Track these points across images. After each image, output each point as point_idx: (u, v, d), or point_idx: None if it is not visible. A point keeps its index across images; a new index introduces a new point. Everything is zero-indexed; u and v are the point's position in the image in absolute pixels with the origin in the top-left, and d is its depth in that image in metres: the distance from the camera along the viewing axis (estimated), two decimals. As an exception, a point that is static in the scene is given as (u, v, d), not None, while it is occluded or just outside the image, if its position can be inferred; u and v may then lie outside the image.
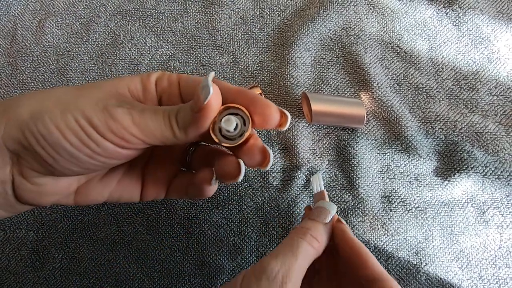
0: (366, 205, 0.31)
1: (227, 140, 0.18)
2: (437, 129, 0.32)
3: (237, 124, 0.17)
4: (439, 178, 0.31)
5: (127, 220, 0.32)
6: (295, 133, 0.32)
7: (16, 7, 0.39)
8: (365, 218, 0.30)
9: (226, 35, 0.37)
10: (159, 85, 0.20)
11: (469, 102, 0.32)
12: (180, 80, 0.20)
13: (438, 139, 0.31)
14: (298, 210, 0.31)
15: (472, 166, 0.30)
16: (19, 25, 0.39)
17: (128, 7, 0.39)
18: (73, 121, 0.16)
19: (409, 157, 0.32)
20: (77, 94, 0.17)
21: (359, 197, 0.31)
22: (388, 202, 0.31)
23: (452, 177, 0.30)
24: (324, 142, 0.33)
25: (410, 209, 0.31)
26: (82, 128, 0.16)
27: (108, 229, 0.31)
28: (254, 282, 0.18)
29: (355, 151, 0.32)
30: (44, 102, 0.17)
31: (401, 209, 0.31)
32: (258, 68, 0.36)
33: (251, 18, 0.38)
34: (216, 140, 0.18)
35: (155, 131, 0.17)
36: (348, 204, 0.31)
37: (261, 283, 0.17)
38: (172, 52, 0.37)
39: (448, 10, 0.36)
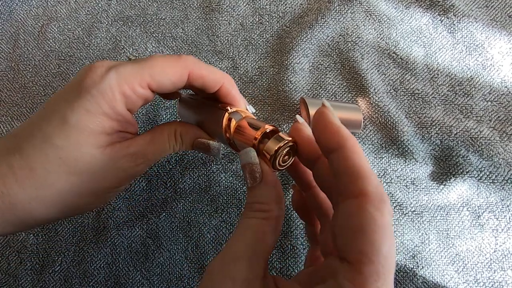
0: (364, 208, 0.31)
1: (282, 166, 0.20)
2: (432, 134, 0.32)
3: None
4: (435, 182, 0.31)
5: (127, 224, 0.32)
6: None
7: (19, 13, 0.40)
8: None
9: (225, 41, 0.38)
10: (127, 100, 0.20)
11: (464, 108, 0.33)
12: (152, 83, 0.19)
13: (434, 144, 0.32)
14: (296, 214, 0.31)
15: (467, 170, 0.31)
16: (21, 30, 0.39)
17: (130, 13, 0.39)
18: None
19: (406, 162, 0.32)
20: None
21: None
22: (385, 206, 0.31)
23: (448, 181, 0.31)
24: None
25: (406, 213, 0.31)
26: None
27: (108, 233, 0.32)
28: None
29: (352, 156, 0.32)
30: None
31: (397, 212, 0.31)
32: (257, 74, 0.36)
33: (251, 24, 0.38)
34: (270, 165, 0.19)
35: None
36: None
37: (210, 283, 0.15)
38: (173, 58, 0.37)
39: (443, 18, 0.36)
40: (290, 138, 0.19)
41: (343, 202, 0.14)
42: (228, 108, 0.22)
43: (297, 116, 0.20)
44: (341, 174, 0.15)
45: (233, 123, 0.21)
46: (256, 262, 0.15)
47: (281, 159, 0.19)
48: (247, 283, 0.14)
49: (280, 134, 0.19)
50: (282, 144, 0.19)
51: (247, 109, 0.24)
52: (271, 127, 0.20)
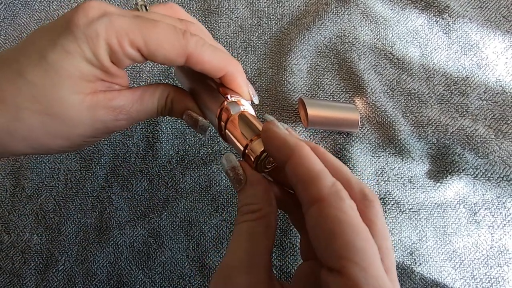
0: (362, 207, 0.32)
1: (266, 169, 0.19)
2: (429, 132, 0.33)
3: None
4: (432, 180, 0.32)
5: (129, 223, 0.32)
6: (292, 137, 0.34)
7: (21, 17, 0.40)
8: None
9: (225, 43, 0.38)
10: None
11: (459, 107, 0.34)
12: (144, 49, 0.18)
13: (430, 142, 0.33)
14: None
15: (463, 168, 0.31)
16: (24, 33, 0.40)
17: (130, 17, 0.40)
18: None
19: (403, 160, 0.33)
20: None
21: (355, 199, 0.32)
22: (382, 203, 0.32)
23: (444, 179, 0.31)
24: (320, 146, 0.34)
25: (404, 211, 0.31)
26: None
27: (110, 232, 0.32)
28: None
29: (350, 155, 0.33)
30: None
31: (395, 210, 0.31)
32: (256, 75, 0.37)
33: (249, 26, 0.39)
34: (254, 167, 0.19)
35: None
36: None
37: None
38: (173, 60, 0.38)
39: (438, 19, 0.37)
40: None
41: (307, 212, 0.14)
42: (228, 96, 0.20)
43: (266, 115, 0.19)
44: (296, 184, 0.15)
45: (229, 115, 0.20)
46: (255, 268, 0.15)
47: (266, 161, 0.18)
48: None
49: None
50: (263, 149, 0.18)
51: (251, 98, 0.22)
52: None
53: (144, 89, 0.21)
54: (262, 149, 0.18)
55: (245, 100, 0.21)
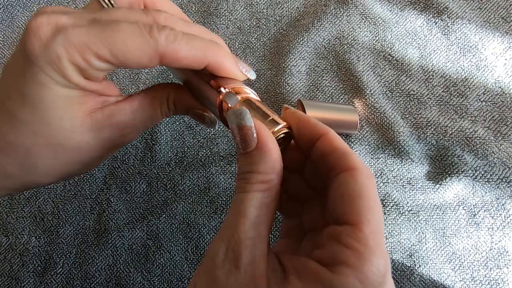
0: (361, 208, 0.31)
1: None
2: (428, 134, 0.33)
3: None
4: (431, 181, 0.32)
5: (127, 226, 0.32)
6: (291, 139, 0.34)
7: (20, 19, 0.40)
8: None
9: (223, 45, 0.38)
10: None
11: (458, 108, 0.33)
12: (112, 59, 0.16)
13: (430, 144, 0.32)
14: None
15: (462, 170, 0.31)
16: (22, 36, 0.40)
17: (129, 18, 0.40)
18: None
19: (402, 162, 0.33)
20: None
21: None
22: (382, 205, 0.32)
23: (444, 181, 0.31)
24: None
25: (403, 212, 0.31)
26: None
27: (109, 235, 0.32)
28: (202, 274, 0.14)
29: (349, 156, 0.33)
30: None
31: (394, 212, 0.31)
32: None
33: (248, 28, 0.39)
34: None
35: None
36: (343, 208, 0.32)
37: (210, 271, 0.14)
38: (172, 61, 0.38)
39: (437, 20, 0.37)
40: (286, 123, 0.17)
41: (337, 176, 0.15)
42: (222, 89, 0.18)
43: (285, 105, 0.18)
44: (330, 154, 0.16)
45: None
46: (259, 242, 0.14)
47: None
48: (251, 266, 0.14)
49: (275, 118, 0.17)
50: (277, 129, 0.17)
51: (246, 76, 0.20)
52: (280, 126, 0.17)
53: (142, 96, 0.20)
54: (272, 132, 0.16)
55: (240, 83, 0.20)
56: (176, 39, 0.16)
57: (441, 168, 0.32)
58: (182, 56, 0.17)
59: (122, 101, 0.19)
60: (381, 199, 0.32)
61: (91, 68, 0.16)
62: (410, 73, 0.35)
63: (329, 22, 0.37)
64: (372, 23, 0.37)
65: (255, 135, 0.15)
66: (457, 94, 0.34)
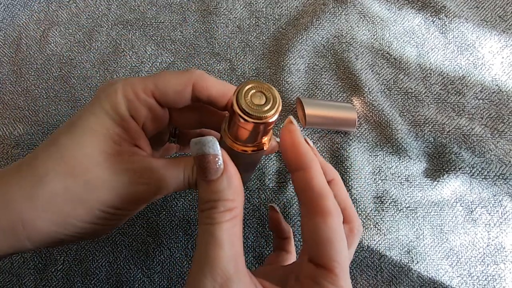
0: (359, 205, 0.32)
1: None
2: (426, 131, 0.33)
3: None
4: (429, 178, 0.32)
5: (128, 223, 0.32)
6: (290, 136, 0.34)
7: (21, 18, 0.41)
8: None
9: (223, 43, 0.38)
10: (134, 114, 0.19)
11: (456, 106, 0.34)
12: (155, 91, 0.19)
13: (427, 141, 0.33)
14: (293, 211, 0.32)
15: (460, 167, 0.31)
16: (23, 34, 0.40)
17: (129, 17, 0.40)
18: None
19: (400, 159, 0.33)
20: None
21: (352, 198, 0.32)
22: (380, 202, 0.32)
23: (441, 178, 0.32)
24: (318, 145, 0.34)
25: (401, 209, 0.32)
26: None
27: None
28: None
29: (347, 154, 0.33)
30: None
31: (392, 209, 0.32)
32: (254, 75, 0.37)
33: (247, 27, 0.39)
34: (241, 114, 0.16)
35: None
36: (341, 205, 0.32)
37: None
38: (172, 60, 0.38)
39: (435, 19, 0.37)
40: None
41: (312, 219, 0.16)
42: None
43: (290, 117, 0.18)
44: (305, 192, 0.17)
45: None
46: (243, 275, 0.15)
47: (248, 101, 0.16)
48: None
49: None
50: (251, 86, 0.16)
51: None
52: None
53: (169, 159, 0.20)
54: (247, 88, 0.16)
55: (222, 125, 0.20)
56: (206, 75, 0.20)
57: (439, 165, 0.32)
58: (209, 85, 0.19)
59: (149, 157, 0.20)
60: (379, 196, 0.32)
61: (137, 100, 0.19)
62: (408, 71, 0.35)
63: (328, 21, 0.37)
64: (370, 22, 0.38)
65: (220, 162, 0.15)
66: (455, 92, 0.34)
